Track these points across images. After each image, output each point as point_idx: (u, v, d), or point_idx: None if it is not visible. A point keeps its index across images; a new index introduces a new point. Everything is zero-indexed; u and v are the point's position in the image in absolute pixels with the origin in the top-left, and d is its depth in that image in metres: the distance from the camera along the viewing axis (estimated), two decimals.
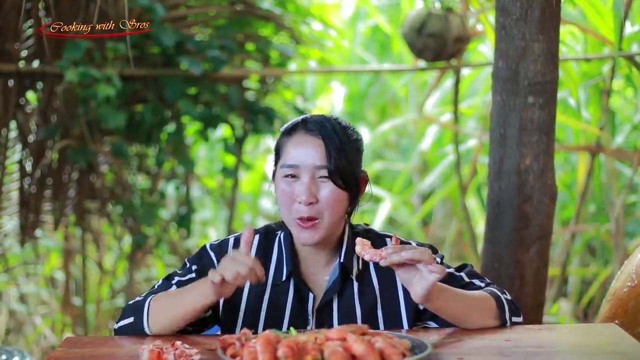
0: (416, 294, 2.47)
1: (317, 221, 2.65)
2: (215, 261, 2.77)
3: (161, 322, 2.62)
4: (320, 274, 2.77)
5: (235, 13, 5.51)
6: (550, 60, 3.58)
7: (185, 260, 2.83)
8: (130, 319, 2.67)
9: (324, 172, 2.64)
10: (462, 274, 2.80)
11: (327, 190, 2.65)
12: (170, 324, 2.62)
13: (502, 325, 2.69)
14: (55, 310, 5.95)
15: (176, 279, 2.77)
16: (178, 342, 2.42)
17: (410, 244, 2.77)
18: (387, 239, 2.83)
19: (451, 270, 2.79)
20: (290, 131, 2.73)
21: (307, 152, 2.66)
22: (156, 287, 2.77)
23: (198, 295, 2.57)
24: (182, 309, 2.60)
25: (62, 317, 5.75)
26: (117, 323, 2.72)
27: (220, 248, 2.80)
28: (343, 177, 2.65)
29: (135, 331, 2.65)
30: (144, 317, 2.64)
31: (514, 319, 2.72)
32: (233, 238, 2.83)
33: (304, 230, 2.67)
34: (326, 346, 2.20)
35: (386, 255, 2.44)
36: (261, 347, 2.19)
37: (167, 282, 2.77)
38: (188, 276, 2.76)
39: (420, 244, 2.80)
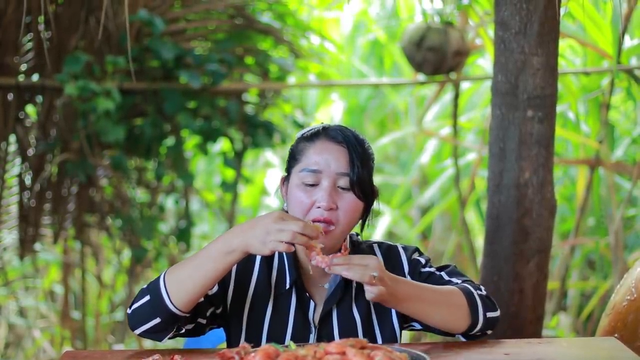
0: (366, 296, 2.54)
1: (331, 228, 2.63)
2: None
3: (184, 289, 2.52)
4: (320, 282, 2.77)
5: (235, 27, 5.52)
6: (550, 73, 3.59)
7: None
8: (146, 297, 2.56)
9: (345, 180, 2.64)
10: (443, 273, 2.82)
11: (347, 199, 2.65)
12: (193, 287, 2.52)
13: (476, 320, 2.68)
14: (54, 324, 5.95)
15: None
16: (177, 356, 2.42)
17: (361, 246, 2.84)
18: (375, 245, 2.87)
19: (432, 270, 2.81)
20: (311, 137, 2.72)
21: (330, 159, 2.65)
22: None
23: (222, 244, 2.50)
24: (206, 266, 2.50)
25: (61, 331, 5.74)
26: (130, 307, 2.60)
27: None
28: (362, 187, 2.66)
29: (155, 309, 2.54)
30: (162, 290, 2.53)
31: (490, 314, 2.70)
32: None
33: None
34: None
35: (330, 264, 2.49)
36: None
37: None
38: None
39: (404, 247, 2.87)
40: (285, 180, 2.77)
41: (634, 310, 3.20)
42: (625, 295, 3.27)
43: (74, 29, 5.04)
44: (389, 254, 2.84)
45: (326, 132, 2.71)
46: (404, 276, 2.77)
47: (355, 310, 2.75)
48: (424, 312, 2.64)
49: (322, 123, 2.79)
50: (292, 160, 2.75)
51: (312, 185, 2.65)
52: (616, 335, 3.18)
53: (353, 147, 2.66)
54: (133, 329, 2.61)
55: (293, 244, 2.44)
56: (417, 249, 2.87)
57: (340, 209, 2.64)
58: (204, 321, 2.68)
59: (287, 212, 2.74)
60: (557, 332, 5.79)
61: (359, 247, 2.83)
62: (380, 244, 2.87)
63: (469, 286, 2.72)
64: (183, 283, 2.53)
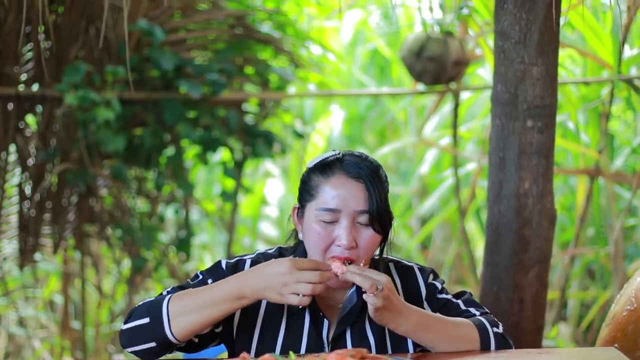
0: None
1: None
2: None
3: (187, 322, 2.53)
4: (335, 301, 2.74)
5: (235, 37, 5.52)
6: (549, 83, 3.59)
7: (197, 273, 2.74)
8: (145, 320, 2.56)
9: (365, 217, 2.60)
10: (460, 301, 2.79)
11: (367, 235, 2.62)
12: (195, 323, 2.54)
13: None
14: (54, 334, 5.94)
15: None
16: None
17: (376, 263, 2.78)
18: (391, 264, 2.83)
19: (449, 297, 2.79)
20: (325, 170, 2.65)
21: (348, 196, 2.60)
22: (165, 293, 2.66)
23: (232, 290, 2.52)
24: (214, 307, 2.52)
25: (61, 341, 5.73)
26: (125, 324, 2.59)
27: (236, 269, 2.71)
28: (382, 222, 2.63)
29: (152, 334, 2.55)
30: (164, 318, 2.54)
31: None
32: (250, 260, 2.75)
33: None
34: None
35: (345, 272, 2.51)
36: None
37: (179, 289, 2.67)
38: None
39: (421, 268, 2.82)
40: (299, 211, 2.72)
41: (634, 320, 3.20)
42: (625, 305, 3.27)
43: (73, 39, 5.04)
44: (406, 274, 2.80)
45: (341, 166, 2.64)
46: (421, 299, 2.76)
47: (369, 332, 2.71)
48: (434, 343, 2.63)
49: (334, 151, 2.73)
50: (306, 193, 2.68)
51: (331, 223, 2.61)
52: (616, 345, 3.18)
53: (370, 181, 2.62)
54: (124, 347, 2.60)
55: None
56: (432, 271, 2.83)
57: (359, 246, 2.61)
58: (196, 340, 2.65)
59: (302, 240, 2.72)
60: (557, 342, 5.78)
61: (375, 265, 2.77)
62: (396, 263, 2.83)
63: (485, 322, 2.70)
64: (187, 317, 2.53)
